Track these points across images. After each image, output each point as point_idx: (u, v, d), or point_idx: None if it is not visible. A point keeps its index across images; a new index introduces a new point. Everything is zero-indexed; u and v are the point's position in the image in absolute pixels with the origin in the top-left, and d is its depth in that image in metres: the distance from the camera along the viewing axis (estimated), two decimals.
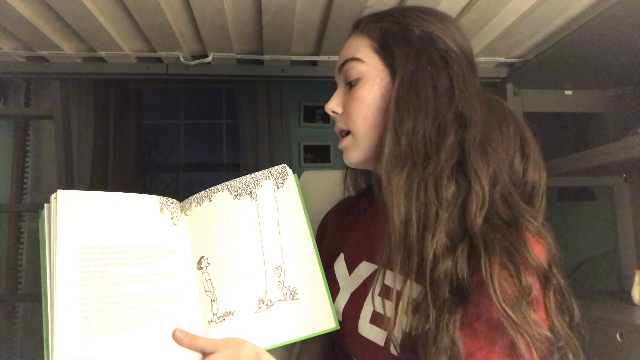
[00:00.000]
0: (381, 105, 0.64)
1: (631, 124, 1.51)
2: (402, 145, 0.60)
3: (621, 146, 1.19)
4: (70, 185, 1.90)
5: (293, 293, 0.62)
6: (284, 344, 0.60)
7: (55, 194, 0.57)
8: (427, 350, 0.52)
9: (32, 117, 2.13)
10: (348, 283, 0.70)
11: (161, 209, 0.65)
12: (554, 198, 1.98)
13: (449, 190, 0.57)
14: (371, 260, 0.69)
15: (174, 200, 0.67)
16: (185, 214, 0.67)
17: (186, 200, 0.68)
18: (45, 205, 0.58)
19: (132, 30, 1.38)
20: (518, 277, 0.52)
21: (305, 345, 0.83)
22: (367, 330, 0.64)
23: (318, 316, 0.62)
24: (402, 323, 0.56)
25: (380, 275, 0.60)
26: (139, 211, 0.62)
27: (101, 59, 1.55)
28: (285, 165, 0.69)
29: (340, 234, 0.79)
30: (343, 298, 0.69)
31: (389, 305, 0.59)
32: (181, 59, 1.53)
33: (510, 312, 0.50)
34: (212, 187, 0.67)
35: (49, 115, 1.81)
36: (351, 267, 0.71)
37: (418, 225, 0.57)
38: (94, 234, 0.58)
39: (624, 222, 1.58)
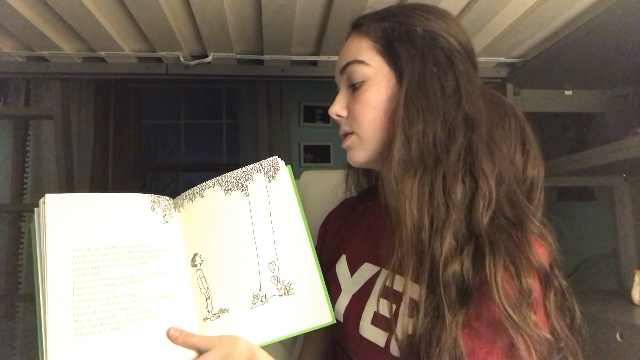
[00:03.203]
0: (388, 107, 0.64)
1: (631, 124, 1.50)
2: (413, 149, 0.59)
3: (621, 146, 1.19)
4: (70, 185, 1.90)
5: (288, 288, 0.62)
6: (280, 339, 0.60)
7: (43, 198, 0.57)
8: (430, 351, 0.52)
9: (32, 117, 2.13)
10: (350, 284, 0.70)
11: (152, 207, 0.64)
12: (554, 198, 1.98)
13: (459, 192, 0.57)
14: (374, 261, 0.69)
15: (166, 197, 0.67)
16: (178, 211, 0.66)
17: (179, 196, 0.67)
18: (35, 209, 0.58)
19: (132, 30, 1.38)
20: (519, 279, 0.52)
21: (306, 345, 0.83)
22: (368, 331, 0.63)
23: (314, 311, 0.62)
24: (404, 324, 0.56)
25: (389, 279, 0.60)
26: (129, 211, 0.62)
27: (101, 59, 1.55)
28: (277, 157, 0.67)
29: (342, 235, 0.79)
30: (344, 299, 0.68)
31: (391, 306, 0.59)
32: (181, 59, 1.53)
33: (511, 313, 0.50)
34: (204, 183, 0.66)
35: (49, 115, 1.81)
36: (353, 268, 0.71)
37: (430, 228, 0.57)
38: (84, 237, 0.58)
39: (624, 222, 1.58)
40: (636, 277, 1.26)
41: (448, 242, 0.55)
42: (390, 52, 0.65)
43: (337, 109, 0.69)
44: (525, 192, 0.64)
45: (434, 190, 0.58)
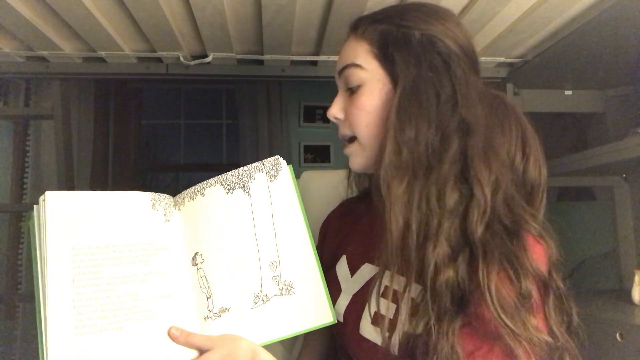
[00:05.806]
0: (382, 113, 0.63)
1: (631, 124, 1.50)
2: (403, 155, 0.59)
3: (621, 146, 1.19)
4: (70, 185, 1.89)
5: (289, 288, 0.62)
6: (281, 339, 0.60)
7: (43, 195, 0.56)
8: (426, 357, 0.52)
9: (32, 117, 2.13)
10: (350, 285, 0.70)
11: (153, 206, 0.63)
12: (554, 198, 1.98)
13: (452, 199, 0.56)
14: (374, 262, 0.68)
15: (167, 195, 0.66)
16: (179, 209, 0.66)
17: (179, 195, 0.67)
18: (35, 207, 0.57)
19: (132, 30, 1.38)
20: (518, 282, 0.52)
21: (305, 345, 0.83)
22: (369, 331, 0.63)
23: (315, 310, 0.62)
24: (403, 324, 0.56)
25: (379, 278, 0.60)
26: (130, 209, 0.62)
27: (101, 59, 1.55)
28: (278, 157, 0.67)
29: (342, 236, 0.79)
30: (345, 299, 0.68)
31: (391, 306, 0.59)
32: (181, 59, 1.53)
33: (508, 321, 0.49)
34: (205, 181, 0.66)
35: (49, 115, 1.81)
36: (353, 268, 0.71)
37: (418, 235, 0.56)
38: (84, 235, 0.57)
39: (624, 222, 1.58)
40: (636, 277, 1.26)
41: (440, 249, 0.55)
42: (385, 57, 0.64)
43: (335, 111, 0.69)
44: (526, 195, 0.64)
45: (423, 196, 0.57)
